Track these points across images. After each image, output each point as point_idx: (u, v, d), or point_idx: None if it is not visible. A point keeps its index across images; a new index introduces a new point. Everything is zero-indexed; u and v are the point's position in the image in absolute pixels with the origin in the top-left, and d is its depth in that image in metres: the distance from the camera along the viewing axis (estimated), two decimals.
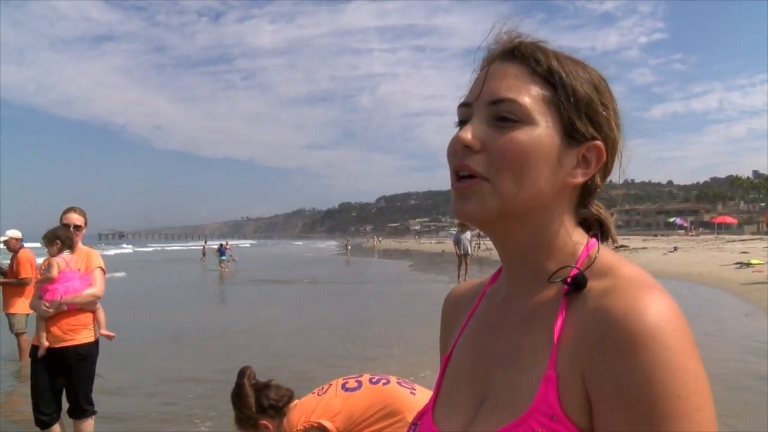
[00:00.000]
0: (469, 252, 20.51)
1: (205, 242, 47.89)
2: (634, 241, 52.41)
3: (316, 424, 2.89)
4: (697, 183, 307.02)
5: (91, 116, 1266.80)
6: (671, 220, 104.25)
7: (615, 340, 0.70)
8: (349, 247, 57.78)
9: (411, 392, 2.96)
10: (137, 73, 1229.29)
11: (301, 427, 2.90)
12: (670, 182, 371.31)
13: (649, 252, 34.92)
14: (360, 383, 3.02)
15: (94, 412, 4.55)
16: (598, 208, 0.91)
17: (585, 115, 0.83)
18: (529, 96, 0.81)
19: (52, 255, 4.51)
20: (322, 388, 3.08)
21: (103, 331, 4.62)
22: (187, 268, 34.69)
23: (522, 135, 0.80)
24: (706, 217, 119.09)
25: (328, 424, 2.88)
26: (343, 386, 3.03)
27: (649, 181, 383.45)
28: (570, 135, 0.82)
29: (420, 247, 74.14)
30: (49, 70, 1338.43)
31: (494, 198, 0.81)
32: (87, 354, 4.45)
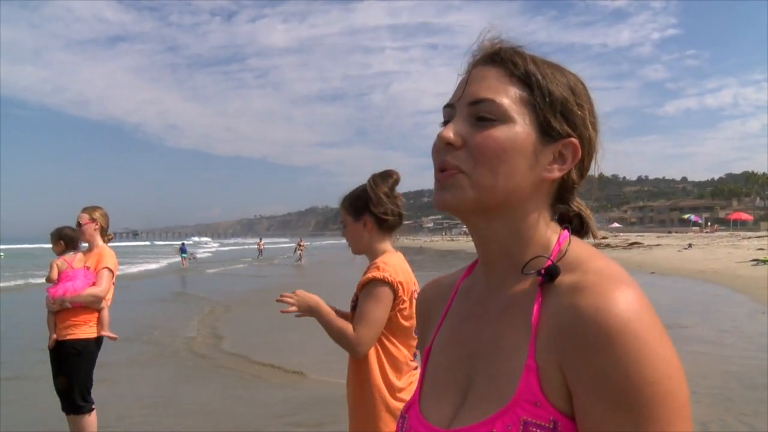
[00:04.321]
0: None
1: (260, 240, 46.84)
2: (648, 238, 52.02)
3: (394, 283, 2.48)
4: (712, 179, 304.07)
5: (106, 116, 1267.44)
6: (686, 216, 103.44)
7: (587, 335, 0.75)
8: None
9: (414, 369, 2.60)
10: (151, 72, 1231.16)
11: (384, 275, 2.48)
12: (684, 178, 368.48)
13: (664, 249, 34.68)
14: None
15: (90, 409, 4.54)
16: (578, 204, 0.95)
17: (560, 114, 0.88)
18: (507, 96, 0.86)
19: (57, 254, 4.72)
20: (411, 302, 2.56)
21: (104, 332, 4.61)
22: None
23: (499, 132, 0.85)
24: (722, 214, 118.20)
25: (400, 295, 2.50)
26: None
27: (663, 177, 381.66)
28: (546, 132, 0.87)
29: (435, 245, 74.09)
30: (64, 71, 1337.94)
31: (472, 189, 0.86)
32: (82, 350, 4.48)
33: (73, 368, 4.47)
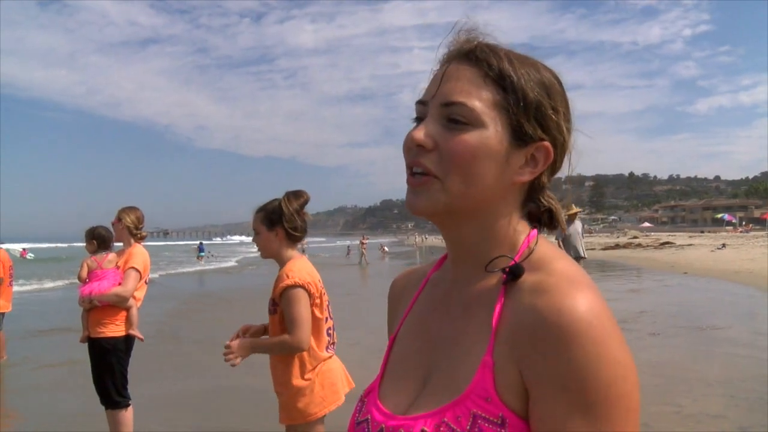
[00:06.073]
0: (582, 254, 11.33)
1: (363, 240, 42.68)
2: (680, 237, 51.13)
3: (304, 284, 2.97)
4: (746, 178, 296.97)
5: (137, 117, 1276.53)
6: (719, 216, 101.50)
7: (550, 335, 0.77)
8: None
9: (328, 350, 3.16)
10: (181, 74, 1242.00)
11: (294, 281, 2.96)
12: (717, 177, 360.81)
13: (696, 249, 34.08)
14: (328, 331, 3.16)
15: (126, 405, 4.64)
16: (549, 199, 0.96)
17: (534, 118, 0.88)
18: (480, 100, 0.86)
19: (90, 253, 4.84)
20: (322, 297, 3.12)
21: (132, 331, 4.68)
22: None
23: (471, 137, 0.85)
24: (757, 213, 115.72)
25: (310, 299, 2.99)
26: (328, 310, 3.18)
27: (695, 176, 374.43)
28: (518, 137, 0.87)
29: None
30: (97, 74, 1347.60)
31: (444, 195, 0.87)
32: (112, 348, 4.58)
33: (106, 365, 4.60)
